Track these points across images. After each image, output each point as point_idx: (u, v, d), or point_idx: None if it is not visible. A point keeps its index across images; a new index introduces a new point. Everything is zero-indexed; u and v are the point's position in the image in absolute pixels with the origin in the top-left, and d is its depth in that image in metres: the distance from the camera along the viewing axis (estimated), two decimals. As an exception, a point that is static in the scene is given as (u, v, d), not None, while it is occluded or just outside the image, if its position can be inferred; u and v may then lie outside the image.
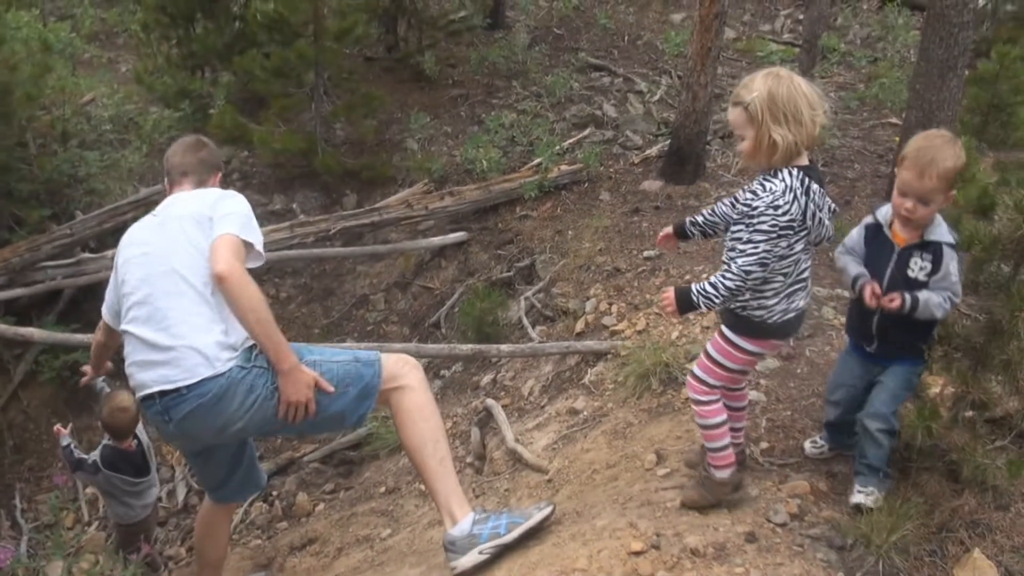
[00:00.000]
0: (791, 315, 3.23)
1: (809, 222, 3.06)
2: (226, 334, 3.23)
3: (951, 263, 3.17)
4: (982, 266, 3.26)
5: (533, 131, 7.87)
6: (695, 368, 3.40)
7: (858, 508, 3.42)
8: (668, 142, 7.30)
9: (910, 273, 3.24)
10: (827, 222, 3.14)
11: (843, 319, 4.93)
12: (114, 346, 3.89)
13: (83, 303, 7.05)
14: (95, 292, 6.92)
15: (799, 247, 3.11)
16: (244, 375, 3.21)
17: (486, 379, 5.76)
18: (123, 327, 3.35)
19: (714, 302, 3.13)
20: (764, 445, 3.90)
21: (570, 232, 6.59)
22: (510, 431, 4.84)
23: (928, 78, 5.61)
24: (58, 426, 4.72)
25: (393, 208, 7.24)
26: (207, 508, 3.95)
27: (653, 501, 3.63)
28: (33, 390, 6.75)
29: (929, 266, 3.20)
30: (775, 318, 3.20)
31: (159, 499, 6.04)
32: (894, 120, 7.94)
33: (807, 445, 3.80)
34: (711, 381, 3.35)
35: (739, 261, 3.07)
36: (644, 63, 9.30)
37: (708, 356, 3.35)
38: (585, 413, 4.74)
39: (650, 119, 8.18)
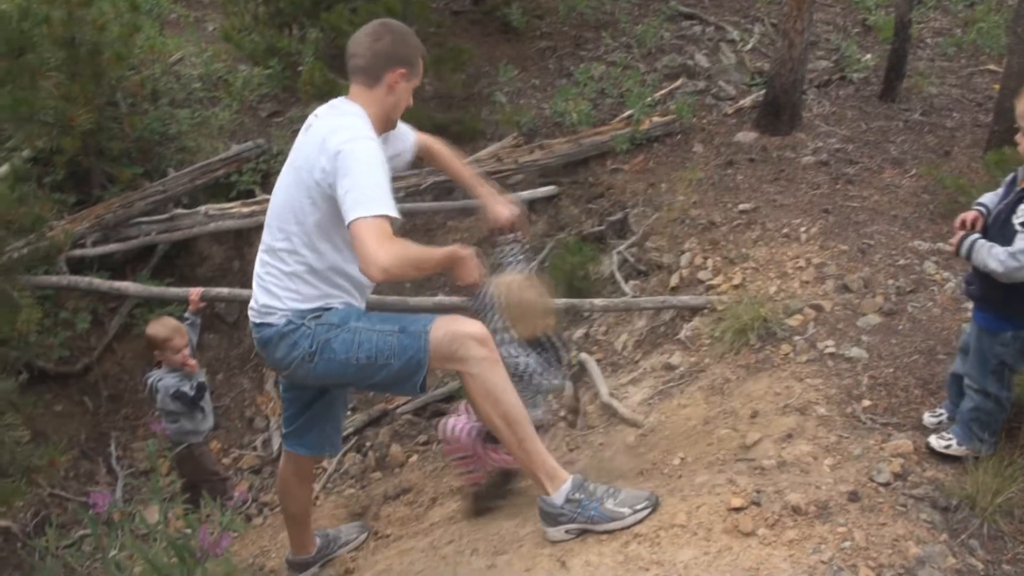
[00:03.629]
0: None
1: None
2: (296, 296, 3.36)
3: None
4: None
5: (623, 82, 7.75)
6: None
7: (929, 449, 3.41)
8: (762, 92, 7.15)
9: (1014, 218, 3.11)
10: None
11: (944, 274, 4.82)
12: None
13: (176, 258, 7.19)
14: (188, 247, 7.07)
15: None
16: (289, 331, 3.33)
17: (578, 333, 5.74)
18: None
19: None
20: (866, 403, 3.85)
21: (663, 185, 6.51)
22: (604, 385, 4.83)
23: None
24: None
25: (483, 162, 7.21)
26: (284, 464, 4.02)
27: (752, 458, 3.60)
28: (127, 342, 6.91)
29: None
30: None
31: (254, 448, 6.22)
32: (993, 67, 7.66)
33: (926, 416, 3.70)
34: None
35: None
36: (736, 11, 9.08)
37: None
38: (681, 368, 4.71)
39: (743, 68, 8.00)
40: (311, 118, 3.43)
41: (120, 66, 7.17)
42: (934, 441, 3.47)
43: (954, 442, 3.43)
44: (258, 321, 3.39)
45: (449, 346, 3.23)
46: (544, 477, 3.33)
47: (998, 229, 3.18)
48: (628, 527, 3.27)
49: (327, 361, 3.28)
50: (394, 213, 3.06)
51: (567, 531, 3.32)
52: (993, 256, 3.08)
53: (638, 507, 3.32)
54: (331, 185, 3.13)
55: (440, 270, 3.47)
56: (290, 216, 3.31)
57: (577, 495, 3.30)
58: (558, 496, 3.30)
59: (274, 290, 3.35)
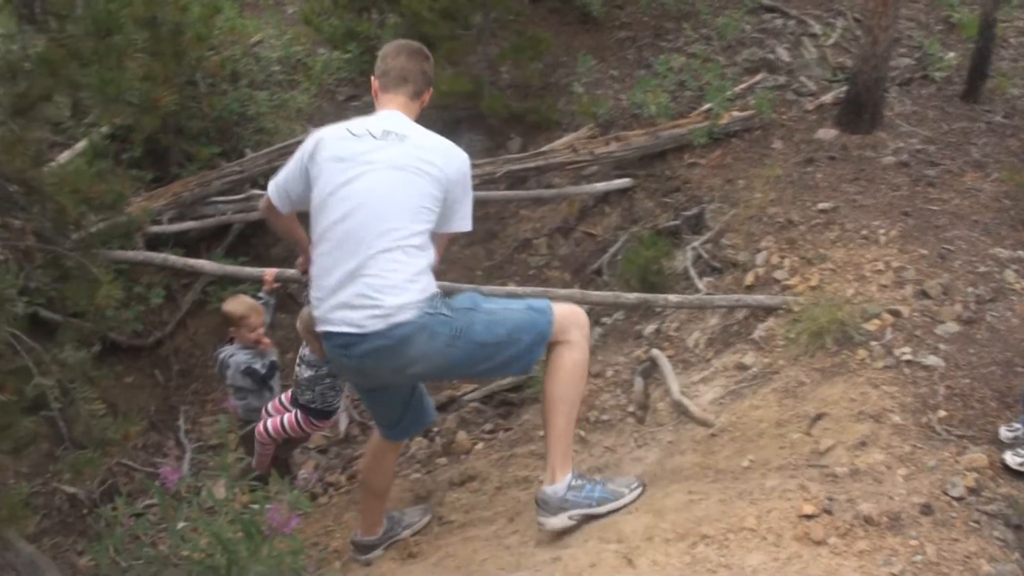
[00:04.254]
0: None
1: None
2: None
3: None
4: None
5: (703, 75, 7.68)
6: None
7: (1004, 465, 3.36)
8: (844, 88, 7.05)
9: None
10: None
11: (1024, 283, 4.75)
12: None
13: (251, 238, 7.31)
14: (263, 228, 7.16)
15: None
16: (428, 320, 3.36)
17: (649, 329, 5.73)
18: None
19: None
20: (942, 413, 3.81)
21: (740, 181, 6.45)
22: (675, 383, 4.81)
23: None
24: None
25: (558, 152, 7.22)
26: (377, 441, 4.09)
27: (825, 464, 3.59)
28: (200, 319, 7.06)
29: None
30: None
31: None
32: (1077, 68, 7.49)
33: (1002, 430, 3.65)
34: None
35: None
36: (818, 4, 8.94)
37: None
38: (754, 369, 4.68)
39: (825, 64, 7.89)
40: (384, 127, 3.56)
41: (200, 47, 7.28)
42: (1009, 458, 3.43)
43: None
44: (386, 325, 3.33)
45: (567, 316, 3.57)
46: (562, 462, 3.56)
47: None
48: (626, 505, 3.56)
49: (467, 343, 3.42)
50: None
51: (570, 517, 3.52)
52: None
53: (632, 486, 3.67)
54: (444, 193, 3.46)
55: None
56: (416, 215, 3.42)
57: (578, 482, 3.55)
58: (561, 485, 3.52)
59: (405, 286, 3.36)
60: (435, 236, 3.53)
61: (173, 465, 5.32)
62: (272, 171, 7.22)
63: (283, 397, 5.06)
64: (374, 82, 3.74)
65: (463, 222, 3.58)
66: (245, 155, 7.41)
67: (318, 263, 3.51)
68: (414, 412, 3.98)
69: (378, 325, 3.32)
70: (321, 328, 3.49)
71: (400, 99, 3.64)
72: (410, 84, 3.65)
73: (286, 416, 4.95)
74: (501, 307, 3.54)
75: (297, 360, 5.05)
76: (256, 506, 3.23)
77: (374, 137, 3.52)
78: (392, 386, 3.78)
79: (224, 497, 3.31)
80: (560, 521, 3.53)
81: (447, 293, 3.59)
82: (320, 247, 3.51)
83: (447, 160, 3.49)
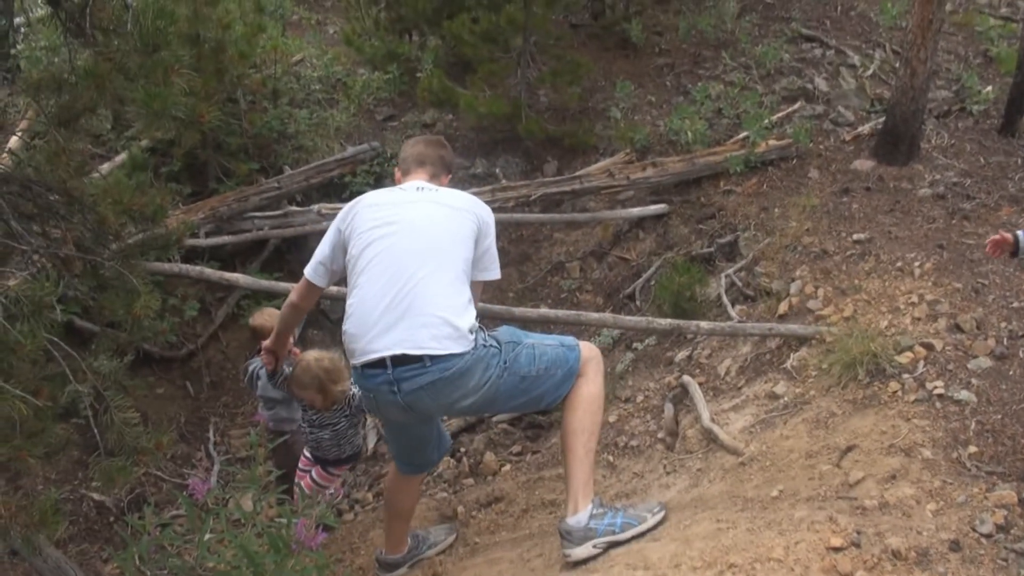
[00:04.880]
0: None
1: None
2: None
3: None
4: None
5: (741, 103, 7.72)
6: None
7: None
8: (882, 119, 7.05)
9: None
10: None
11: (1061, 319, 4.72)
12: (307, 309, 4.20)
13: (287, 254, 7.38)
14: (300, 244, 7.24)
15: None
16: (483, 353, 3.43)
17: (680, 355, 5.73)
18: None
19: None
20: (972, 449, 3.79)
21: (776, 210, 6.46)
22: (706, 410, 4.81)
23: None
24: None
25: (594, 176, 7.26)
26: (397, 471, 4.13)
27: (854, 497, 3.58)
28: (233, 332, 7.13)
29: None
30: None
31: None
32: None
33: None
34: None
35: None
36: (857, 35, 8.96)
37: None
38: (785, 399, 4.67)
39: (863, 95, 7.90)
40: (421, 186, 3.74)
41: (242, 64, 7.41)
42: None
43: None
44: (453, 351, 3.33)
45: (588, 353, 3.70)
46: (585, 492, 3.59)
47: None
48: (649, 530, 3.58)
49: (512, 375, 3.51)
50: None
51: (594, 546, 3.52)
52: None
53: (655, 511, 3.70)
54: (480, 235, 3.60)
55: None
56: (461, 243, 3.53)
57: (599, 510, 3.57)
58: (584, 514, 3.54)
59: (464, 309, 3.43)
60: (471, 284, 3.62)
61: (202, 476, 5.36)
62: (310, 188, 7.40)
63: (306, 451, 5.09)
64: (396, 173, 3.97)
65: (494, 271, 3.71)
66: (283, 172, 7.51)
67: (358, 294, 3.48)
68: (435, 448, 4.06)
69: (440, 348, 3.32)
70: (367, 358, 3.41)
71: (422, 176, 3.83)
72: (428, 166, 3.85)
73: (314, 470, 4.99)
74: (540, 341, 3.64)
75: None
76: (283, 520, 3.26)
77: (407, 191, 3.71)
78: (429, 422, 3.85)
79: (251, 510, 3.34)
80: (585, 551, 3.53)
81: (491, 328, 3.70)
82: (361, 279, 3.50)
83: (478, 205, 3.69)
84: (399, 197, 3.66)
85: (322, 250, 3.75)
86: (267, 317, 5.21)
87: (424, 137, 4.10)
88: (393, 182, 3.94)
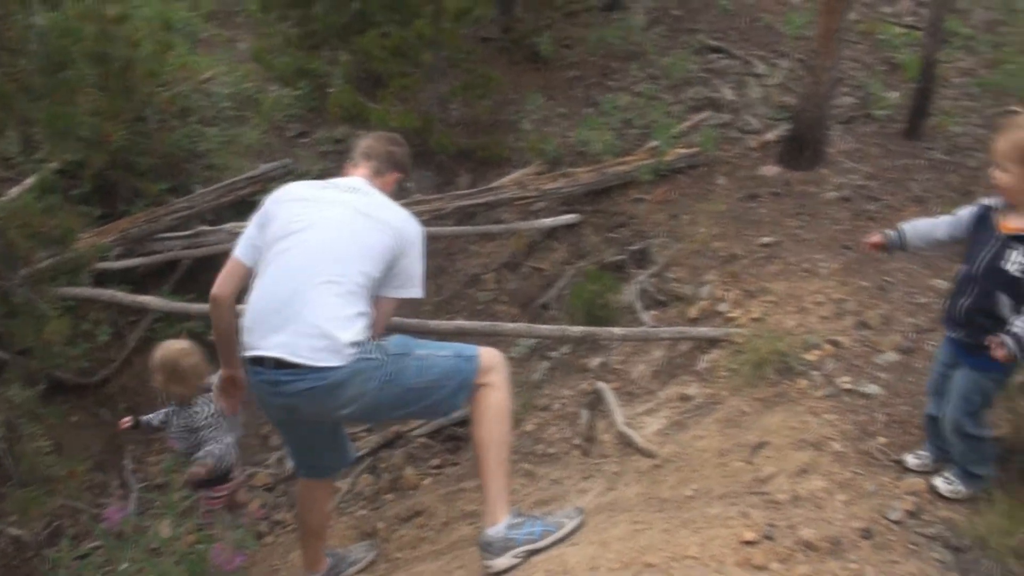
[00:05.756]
0: None
1: None
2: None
3: None
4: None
5: (649, 113, 7.79)
6: None
7: (935, 491, 3.45)
8: (787, 126, 7.17)
9: (1004, 264, 3.13)
10: None
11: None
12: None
13: (199, 274, 7.23)
14: (212, 264, 7.07)
15: None
16: (363, 366, 3.36)
17: (595, 362, 5.74)
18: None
19: None
20: (882, 440, 3.85)
21: (685, 216, 6.53)
22: (620, 414, 4.83)
23: (1059, 64, 5.41)
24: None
25: (506, 188, 7.26)
26: (305, 480, 4.07)
27: (766, 492, 3.61)
28: (146, 356, 6.92)
29: None
30: None
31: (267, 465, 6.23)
32: (1017, 108, 7.63)
33: (909, 458, 3.69)
34: None
35: None
36: (763, 45, 9.11)
37: None
38: (698, 400, 4.71)
39: (769, 103, 8.03)
40: (349, 185, 3.71)
41: (151, 83, 7.26)
42: (942, 487, 3.47)
43: (961, 488, 3.45)
44: (331, 364, 3.32)
45: (490, 362, 3.64)
46: (502, 503, 3.58)
47: (984, 275, 3.20)
48: (568, 535, 3.58)
49: (397, 386, 3.45)
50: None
51: (514, 556, 3.51)
52: None
53: (572, 516, 3.71)
54: (398, 252, 3.52)
55: None
56: (365, 258, 3.46)
57: (517, 519, 3.57)
58: (502, 525, 3.54)
59: (346, 322, 3.36)
60: (383, 299, 3.57)
61: (119, 505, 5.21)
62: (221, 207, 7.25)
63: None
64: (346, 165, 3.91)
65: (414, 288, 3.63)
66: (194, 191, 7.37)
67: (259, 286, 3.49)
68: (333, 453, 3.98)
69: (315, 359, 3.30)
70: (251, 353, 3.43)
71: (362, 171, 3.80)
72: (373, 160, 3.81)
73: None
74: (432, 352, 3.57)
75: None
76: (201, 546, 3.18)
77: (339, 189, 3.66)
78: (315, 424, 3.77)
79: (169, 536, 3.26)
80: (506, 561, 3.51)
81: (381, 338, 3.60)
82: (266, 271, 3.49)
83: (405, 221, 3.60)
84: (328, 195, 3.60)
85: (249, 230, 3.70)
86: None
87: (379, 132, 4.03)
88: None
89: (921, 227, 3.56)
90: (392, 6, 7.73)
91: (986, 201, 3.33)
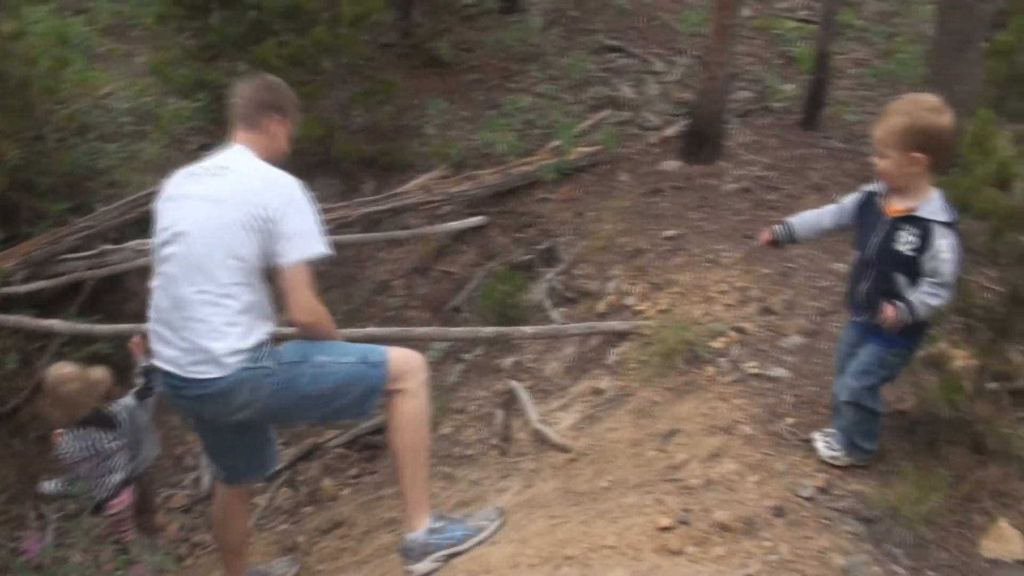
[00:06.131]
0: None
1: None
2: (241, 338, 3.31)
3: (942, 241, 3.13)
4: (999, 237, 3.26)
5: (551, 114, 7.86)
6: None
7: (819, 458, 3.57)
8: (686, 122, 7.28)
9: (895, 246, 3.23)
10: None
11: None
12: None
13: (105, 294, 7.07)
14: (117, 283, 6.94)
15: None
16: (248, 376, 3.30)
17: (508, 362, 5.76)
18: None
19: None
20: (790, 421, 3.92)
21: (590, 214, 6.59)
22: (534, 412, 4.85)
23: (945, 52, 5.57)
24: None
25: (412, 193, 7.25)
26: (220, 493, 4.00)
27: (680, 478, 3.65)
28: (56, 382, 6.79)
29: (917, 241, 3.17)
30: None
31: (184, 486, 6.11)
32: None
33: (817, 436, 3.75)
34: None
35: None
36: (660, 43, 9.25)
37: None
38: (609, 393, 4.75)
39: (667, 99, 8.15)
40: (217, 163, 3.51)
41: (49, 100, 7.09)
42: (822, 450, 3.58)
43: (840, 453, 3.54)
44: (211, 376, 3.27)
45: (403, 366, 3.51)
46: (420, 511, 3.55)
47: (878, 258, 3.29)
48: (488, 538, 3.56)
49: (291, 394, 3.36)
50: (328, 249, 3.37)
51: (434, 560, 3.50)
52: (932, 299, 3.16)
53: (492, 518, 3.66)
54: (269, 220, 3.26)
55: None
56: (228, 252, 3.29)
57: (439, 524, 3.55)
58: (423, 531, 3.52)
59: (224, 330, 3.28)
60: (285, 269, 3.31)
61: (36, 536, 5.06)
62: (124, 224, 7.08)
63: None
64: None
65: (312, 245, 3.31)
66: (96, 210, 7.19)
67: (153, 293, 3.46)
68: (249, 459, 3.89)
69: (197, 372, 3.28)
70: (153, 362, 3.49)
71: (240, 133, 3.57)
72: (243, 119, 3.56)
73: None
74: (332, 359, 3.43)
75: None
76: (120, 572, 3.12)
77: (208, 173, 3.46)
78: (230, 427, 3.69)
79: (82, 564, 3.19)
80: (426, 566, 3.50)
81: (277, 340, 3.50)
82: (155, 279, 3.46)
83: (267, 185, 3.35)
84: (194, 189, 3.42)
85: None
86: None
87: (247, 80, 3.68)
88: None
89: (808, 218, 3.67)
90: (288, 14, 7.66)
91: (868, 187, 3.44)
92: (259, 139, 3.55)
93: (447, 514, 3.79)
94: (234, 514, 3.99)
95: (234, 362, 3.26)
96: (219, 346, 3.25)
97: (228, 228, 3.28)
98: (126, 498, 4.58)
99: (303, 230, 3.31)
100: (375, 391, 3.46)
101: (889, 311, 3.15)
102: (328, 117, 7.99)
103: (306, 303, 3.33)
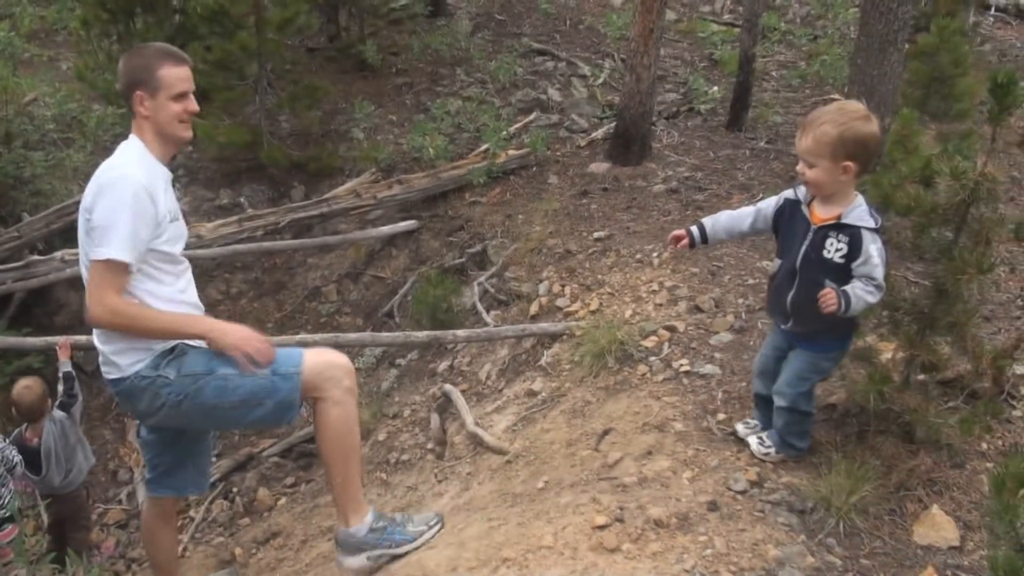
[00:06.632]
0: None
1: None
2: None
3: (871, 246, 3.16)
4: (923, 232, 3.34)
5: (479, 117, 7.89)
6: None
7: (751, 453, 3.63)
8: (613, 124, 7.35)
9: (825, 254, 3.23)
10: None
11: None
12: None
13: (34, 306, 6.94)
14: (45, 295, 6.83)
15: None
16: (147, 384, 3.22)
17: (443, 366, 5.77)
18: None
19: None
20: (721, 416, 3.97)
21: (520, 216, 6.63)
22: (470, 415, 4.86)
23: (868, 53, 5.68)
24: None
25: (342, 198, 7.22)
26: (147, 510, 3.90)
27: (614, 476, 3.68)
28: (-9, 396, 6.65)
29: (845, 248, 3.19)
30: None
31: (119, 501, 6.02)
32: (836, 96, 8.04)
33: (739, 427, 3.82)
34: None
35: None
36: (586, 47, 9.33)
37: None
38: (543, 394, 4.77)
39: (594, 102, 8.23)
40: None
41: (-28, 109, 6.96)
42: (755, 447, 3.63)
43: (772, 450, 3.60)
44: (112, 376, 3.25)
45: (319, 375, 3.33)
46: (352, 510, 3.48)
47: (805, 266, 3.32)
48: (426, 542, 3.53)
49: (195, 406, 3.26)
50: (125, 258, 3.04)
51: (367, 557, 3.48)
52: (868, 295, 3.18)
53: (431, 523, 3.61)
54: (90, 212, 3.08)
55: (183, 336, 3.28)
56: (84, 254, 3.17)
57: (380, 524, 3.51)
58: (362, 527, 3.47)
59: (106, 345, 3.22)
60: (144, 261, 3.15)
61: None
62: (52, 234, 6.97)
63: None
64: None
65: (105, 246, 3.02)
66: (23, 219, 7.05)
67: None
68: (187, 468, 3.75)
69: (104, 371, 3.28)
70: None
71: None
72: (124, 100, 3.29)
73: None
74: (237, 372, 3.25)
75: None
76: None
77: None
78: (170, 428, 3.62)
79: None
80: (358, 561, 3.48)
81: (184, 352, 3.31)
82: None
83: (100, 172, 3.14)
84: None
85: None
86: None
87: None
88: None
89: (723, 221, 3.59)
90: (214, 19, 7.58)
91: (788, 195, 3.42)
92: (136, 123, 3.27)
93: (388, 514, 3.76)
94: (162, 531, 3.87)
95: (127, 364, 3.20)
96: (106, 348, 3.22)
97: (83, 238, 3.19)
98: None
99: (103, 224, 3.03)
100: (290, 403, 3.31)
101: (831, 297, 3.15)
102: (255, 123, 7.93)
103: (98, 302, 3.07)
